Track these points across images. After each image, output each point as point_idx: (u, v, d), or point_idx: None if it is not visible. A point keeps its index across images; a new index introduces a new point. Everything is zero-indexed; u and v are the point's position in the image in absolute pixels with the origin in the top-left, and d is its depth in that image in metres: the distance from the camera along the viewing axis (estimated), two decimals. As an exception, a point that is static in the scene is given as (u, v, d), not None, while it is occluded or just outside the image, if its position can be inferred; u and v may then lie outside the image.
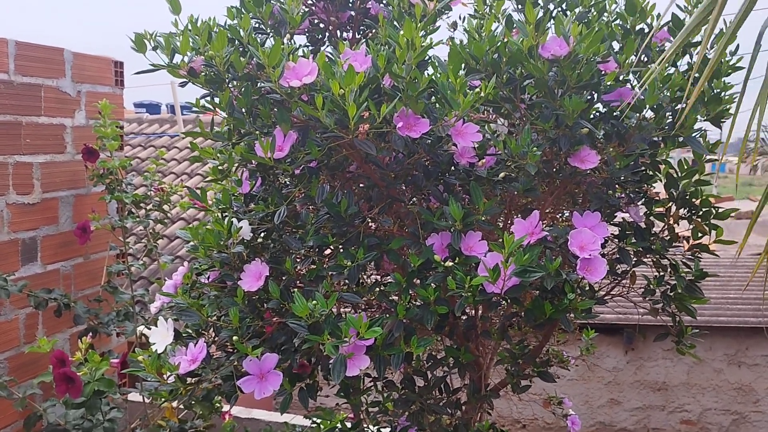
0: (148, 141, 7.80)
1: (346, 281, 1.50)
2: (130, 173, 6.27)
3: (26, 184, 2.30)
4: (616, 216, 1.76)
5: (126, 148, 7.40)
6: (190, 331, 1.59)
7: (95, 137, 2.47)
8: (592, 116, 1.62)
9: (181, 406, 2.27)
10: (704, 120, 1.60)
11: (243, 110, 1.52)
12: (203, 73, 1.54)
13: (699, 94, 1.53)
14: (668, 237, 1.77)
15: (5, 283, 2.15)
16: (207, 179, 1.82)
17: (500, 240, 1.34)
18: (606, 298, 1.83)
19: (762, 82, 1.44)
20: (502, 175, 1.54)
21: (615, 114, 1.61)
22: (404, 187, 1.63)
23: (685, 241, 1.80)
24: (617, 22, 1.71)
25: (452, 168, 1.58)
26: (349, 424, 1.88)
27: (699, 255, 1.79)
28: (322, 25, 1.98)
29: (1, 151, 2.20)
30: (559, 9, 1.78)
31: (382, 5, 1.89)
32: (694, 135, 1.59)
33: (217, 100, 1.55)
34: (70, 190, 2.49)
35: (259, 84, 1.49)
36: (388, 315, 1.50)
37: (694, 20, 1.46)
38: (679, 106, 1.57)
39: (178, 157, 7.17)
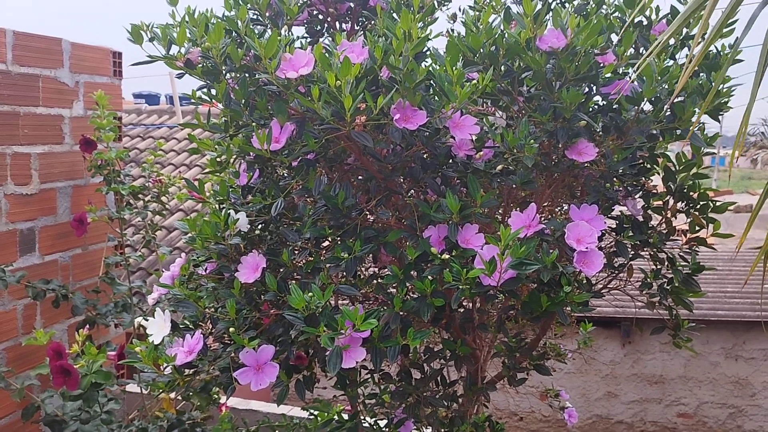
0: (147, 132, 7.79)
1: (344, 273, 1.50)
2: (129, 164, 6.26)
3: (24, 175, 2.30)
4: (613, 209, 1.76)
5: (125, 139, 7.39)
6: (187, 322, 1.59)
7: (93, 128, 2.47)
8: (590, 109, 1.62)
9: (179, 397, 2.29)
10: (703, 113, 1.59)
11: (240, 102, 1.52)
12: (200, 65, 1.54)
13: (696, 86, 1.53)
14: (666, 230, 1.77)
15: (3, 273, 2.15)
16: (205, 171, 1.82)
17: (497, 233, 1.34)
18: (603, 291, 1.83)
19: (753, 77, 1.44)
20: (499, 167, 1.54)
21: (614, 107, 1.61)
22: (402, 180, 1.63)
23: (682, 235, 1.80)
24: (616, 14, 1.71)
25: (450, 160, 1.58)
26: (345, 416, 1.88)
27: (696, 249, 1.79)
28: (320, 17, 1.97)
29: (-1, 142, 2.20)
30: (558, 1, 1.77)
31: (380, -4, 1.88)
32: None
33: (214, 91, 1.55)
34: (68, 181, 2.49)
35: (256, 75, 1.48)
36: (384, 307, 1.50)
37: (688, 8, 1.46)
38: (678, 98, 1.56)
39: (176, 148, 7.16)
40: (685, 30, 1.68)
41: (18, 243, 2.29)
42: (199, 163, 6.68)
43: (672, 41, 1.48)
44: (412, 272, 1.48)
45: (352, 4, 1.92)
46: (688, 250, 1.79)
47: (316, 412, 2.08)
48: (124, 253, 2.64)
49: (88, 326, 2.41)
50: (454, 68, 1.37)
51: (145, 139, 7.61)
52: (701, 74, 1.60)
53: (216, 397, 2.16)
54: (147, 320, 1.56)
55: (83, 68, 2.52)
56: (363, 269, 1.90)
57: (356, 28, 1.97)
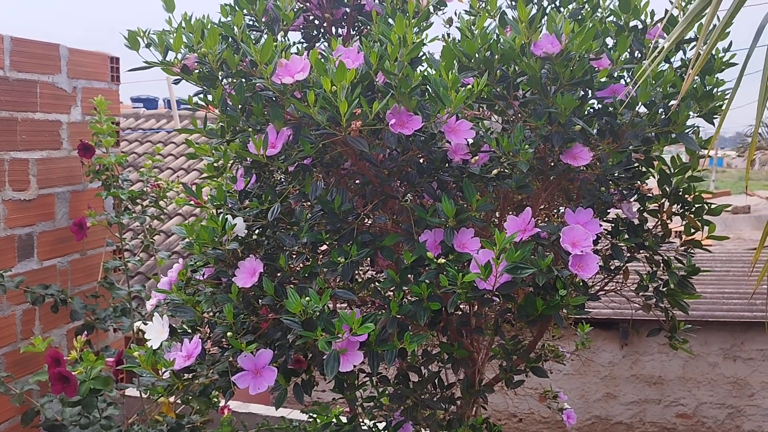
0: (145, 136, 7.79)
1: (341, 277, 1.50)
2: (127, 169, 6.26)
3: (22, 180, 2.31)
4: (609, 212, 1.77)
5: (123, 143, 7.38)
6: (185, 327, 1.60)
7: (91, 133, 2.48)
8: (586, 113, 1.63)
9: (178, 401, 2.29)
10: (697, 116, 1.60)
11: (236, 107, 1.53)
12: (196, 71, 1.55)
13: (691, 89, 1.54)
14: (661, 233, 1.78)
15: (2, 279, 2.16)
16: (203, 176, 1.83)
17: (493, 236, 1.35)
18: (599, 294, 1.84)
19: (762, 77, 1.45)
20: (495, 172, 1.55)
21: (609, 110, 1.62)
22: (398, 184, 1.64)
23: (678, 237, 1.81)
24: (611, 18, 1.71)
25: (446, 165, 1.58)
26: (344, 419, 1.89)
27: (692, 251, 1.80)
28: (316, 22, 1.98)
29: (-3, 148, 2.21)
30: (553, 5, 1.78)
31: (376, 2, 1.89)
32: (686, 131, 1.60)
33: (210, 97, 1.56)
34: (66, 186, 2.49)
35: (252, 81, 1.49)
36: (381, 311, 1.50)
37: (688, 16, 1.47)
38: (672, 102, 1.57)
39: (174, 153, 7.16)
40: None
41: (16, 248, 2.30)
42: (197, 167, 6.68)
43: (666, 44, 1.49)
44: (408, 276, 1.48)
45: (347, 10, 1.93)
46: (683, 253, 1.80)
47: (315, 415, 2.09)
48: (123, 257, 2.65)
49: (86, 331, 2.42)
50: (449, 73, 1.38)
51: (143, 144, 7.61)
52: (695, 77, 1.61)
53: (215, 400, 2.16)
54: (146, 325, 1.57)
55: (81, 74, 2.52)
56: (360, 273, 1.91)
57: (352, 33, 1.98)
